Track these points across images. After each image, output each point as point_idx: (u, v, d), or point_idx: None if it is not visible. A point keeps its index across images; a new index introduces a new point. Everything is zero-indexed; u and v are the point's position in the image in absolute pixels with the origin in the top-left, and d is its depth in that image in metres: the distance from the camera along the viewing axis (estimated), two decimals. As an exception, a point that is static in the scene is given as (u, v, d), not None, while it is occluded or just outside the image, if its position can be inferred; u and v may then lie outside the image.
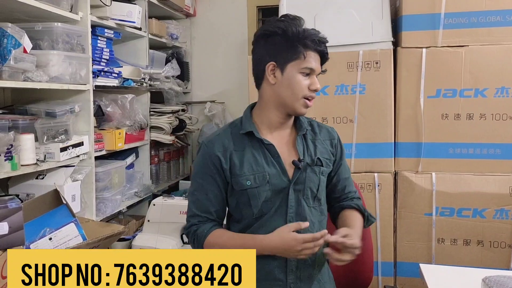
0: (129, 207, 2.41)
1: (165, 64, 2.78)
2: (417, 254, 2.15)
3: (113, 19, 2.18)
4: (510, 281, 1.25)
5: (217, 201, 1.27)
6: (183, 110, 2.95)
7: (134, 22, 2.30)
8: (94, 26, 2.04)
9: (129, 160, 2.47)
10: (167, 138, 2.72)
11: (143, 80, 2.44)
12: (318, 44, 1.22)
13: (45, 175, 1.86)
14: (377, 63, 2.17)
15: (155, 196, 2.32)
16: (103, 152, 2.15)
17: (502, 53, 2.06)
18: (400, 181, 2.16)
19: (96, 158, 2.07)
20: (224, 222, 1.34)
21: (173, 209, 2.03)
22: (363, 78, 2.19)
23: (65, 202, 1.66)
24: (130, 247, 2.11)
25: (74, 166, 1.92)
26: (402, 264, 2.18)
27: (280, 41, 1.21)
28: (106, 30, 2.13)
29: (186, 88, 3.14)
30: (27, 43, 1.60)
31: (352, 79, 2.20)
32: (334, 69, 2.22)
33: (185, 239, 2.12)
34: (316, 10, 2.29)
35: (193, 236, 1.27)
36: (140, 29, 2.44)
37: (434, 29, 2.11)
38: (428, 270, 1.51)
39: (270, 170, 1.23)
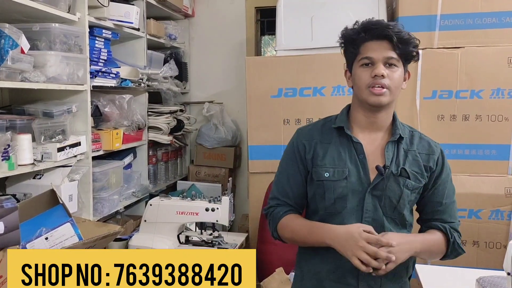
0: (126, 207, 2.41)
1: (163, 65, 2.78)
2: (413, 254, 2.16)
3: (111, 19, 2.18)
4: (504, 282, 1.27)
5: (297, 187, 1.30)
6: (181, 111, 2.95)
7: (132, 23, 2.30)
8: (91, 27, 2.04)
9: (127, 160, 2.47)
10: (165, 138, 2.72)
11: (141, 80, 2.44)
12: (369, 31, 1.20)
13: (42, 175, 1.86)
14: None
15: (152, 196, 2.32)
16: (101, 152, 2.14)
17: (498, 55, 2.08)
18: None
19: (94, 158, 2.07)
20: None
21: (169, 209, 2.04)
22: (360, 79, 2.20)
23: (61, 202, 1.66)
24: (126, 247, 2.11)
25: (71, 166, 1.91)
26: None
27: (344, 50, 1.29)
28: (104, 31, 2.12)
29: (185, 88, 3.14)
30: (24, 43, 1.60)
31: (349, 80, 2.21)
32: (330, 70, 2.24)
33: (182, 239, 2.12)
34: (313, 12, 2.30)
35: (270, 217, 1.32)
36: (138, 29, 2.44)
37: (430, 31, 2.13)
38: (423, 271, 1.53)
39: (351, 168, 1.23)
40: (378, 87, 1.17)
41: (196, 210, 2.00)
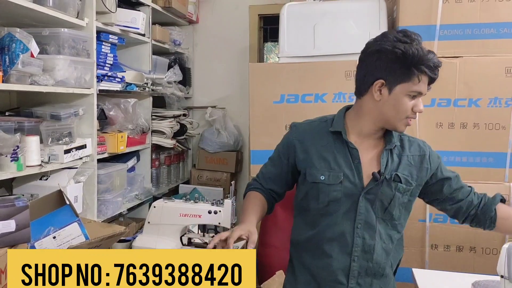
0: (129, 210, 2.44)
1: (168, 70, 2.82)
2: (410, 259, 2.18)
3: (117, 25, 2.23)
4: (498, 286, 1.29)
5: (275, 178, 1.38)
6: (184, 115, 2.99)
7: (138, 29, 2.35)
8: (99, 32, 2.08)
9: (131, 163, 2.50)
10: (168, 142, 2.75)
11: (145, 85, 2.48)
12: (434, 71, 1.20)
13: (49, 176, 1.89)
14: (374, 72, 2.21)
15: (155, 199, 2.35)
16: (105, 155, 2.18)
17: (496, 65, 2.10)
18: (395, 188, 2.20)
19: (99, 160, 2.11)
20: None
21: (173, 211, 2.06)
22: (361, 87, 2.23)
23: (68, 203, 1.70)
24: (130, 248, 2.14)
25: (77, 168, 1.95)
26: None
27: (395, 62, 1.18)
28: (110, 36, 2.17)
29: (188, 93, 3.18)
30: (34, 47, 1.64)
31: (350, 87, 2.22)
32: (332, 77, 2.28)
33: (184, 241, 2.15)
34: (315, 20, 2.34)
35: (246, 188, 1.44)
36: (143, 35, 2.49)
37: (430, 40, 2.15)
38: (420, 275, 1.55)
39: (346, 173, 1.27)
40: (411, 120, 1.24)
41: (199, 212, 2.03)
